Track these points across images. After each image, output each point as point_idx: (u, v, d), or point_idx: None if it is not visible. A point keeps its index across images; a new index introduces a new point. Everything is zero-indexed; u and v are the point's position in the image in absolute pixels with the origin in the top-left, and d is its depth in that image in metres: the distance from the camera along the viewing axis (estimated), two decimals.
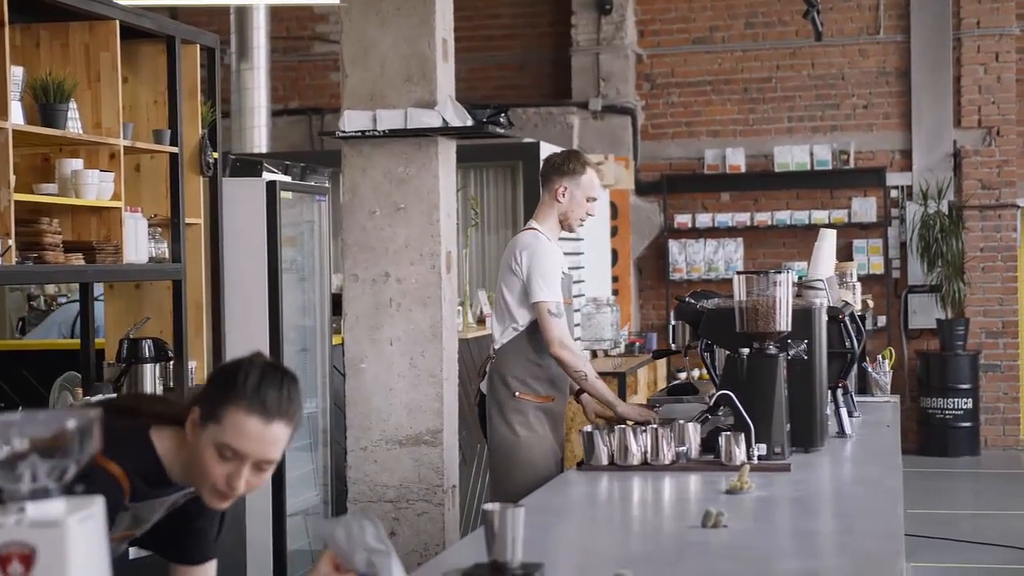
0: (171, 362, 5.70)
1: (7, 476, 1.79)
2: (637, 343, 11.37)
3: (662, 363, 11.66)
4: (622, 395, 8.20)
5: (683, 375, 12.40)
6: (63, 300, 9.18)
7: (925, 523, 9.14)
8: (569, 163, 5.36)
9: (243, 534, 5.88)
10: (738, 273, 4.47)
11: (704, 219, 12.97)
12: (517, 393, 5.23)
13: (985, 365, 12.59)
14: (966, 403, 12.30)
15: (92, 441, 1.84)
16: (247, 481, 2.57)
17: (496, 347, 5.34)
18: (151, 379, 5.56)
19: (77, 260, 5.04)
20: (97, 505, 1.83)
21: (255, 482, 2.59)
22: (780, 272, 4.44)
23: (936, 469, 11.80)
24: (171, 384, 5.73)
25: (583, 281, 10.62)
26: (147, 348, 5.55)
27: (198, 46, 6.00)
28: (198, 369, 5.95)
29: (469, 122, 5.91)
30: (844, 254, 12.43)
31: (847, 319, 5.08)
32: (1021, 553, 8.41)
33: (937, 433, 12.34)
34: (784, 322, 4.41)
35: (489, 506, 2.74)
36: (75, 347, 6.08)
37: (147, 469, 2.63)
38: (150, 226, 5.58)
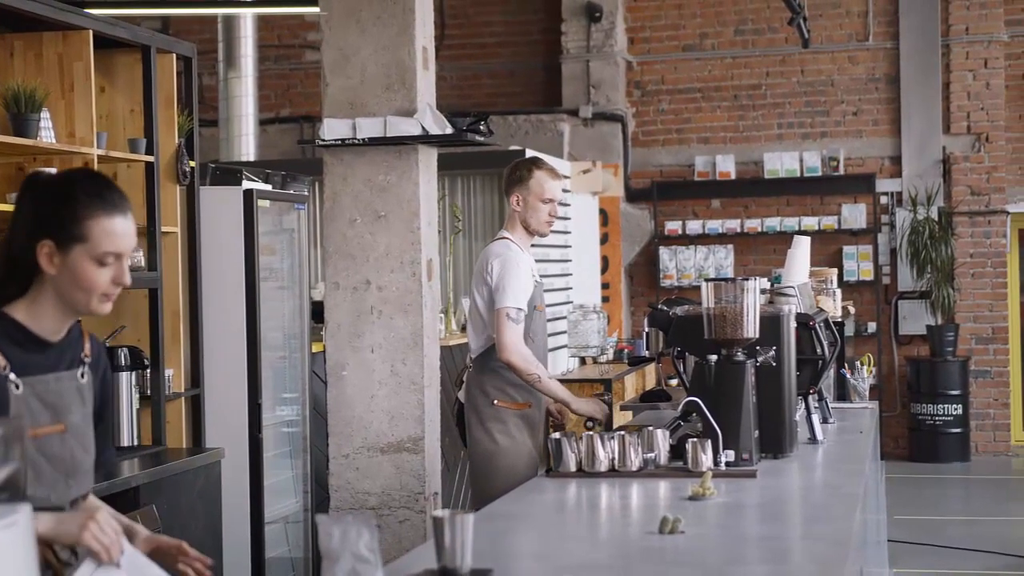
0: (147, 370, 5.71)
1: None
2: (626, 350, 11.38)
3: (651, 370, 11.67)
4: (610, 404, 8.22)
5: (674, 382, 12.42)
6: None
7: (913, 529, 9.15)
8: (516, 171, 5.49)
9: (220, 541, 5.88)
10: (706, 280, 4.49)
11: (694, 226, 12.99)
12: (496, 401, 5.30)
13: (975, 371, 12.60)
14: (956, 409, 12.31)
15: (15, 449, 1.86)
16: (125, 274, 2.74)
17: (473, 356, 5.40)
18: (127, 387, 5.56)
19: None
20: (23, 513, 1.85)
21: (128, 275, 2.76)
22: (748, 279, 4.45)
23: (926, 475, 11.81)
24: (148, 392, 5.74)
25: (571, 288, 10.64)
26: (123, 356, 5.56)
27: (174, 55, 6.01)
28: (175, 377, 5.96)
29: (448, 130, 5.92)
30: (834, 260, 12.45)
31: (819, 325, 5.08)
32: (1010, 559, 8.42)
33: (927, 439, 12.35)
34: (752, 329, 4.42)
35: (438, 513, 2.77)
36: None
37: (13, 333, 2.70)
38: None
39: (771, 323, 4.56)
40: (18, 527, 1.82)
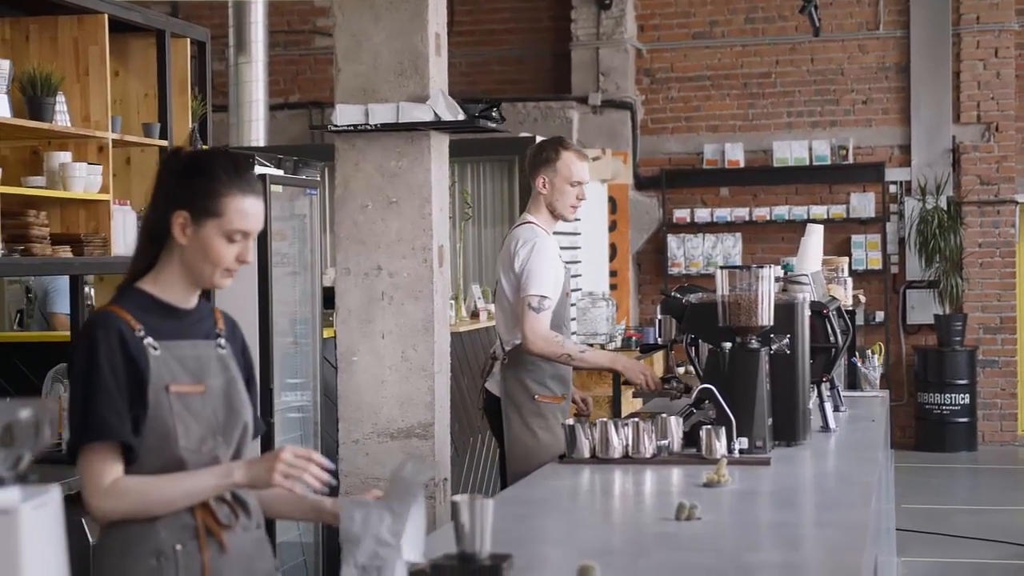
0: None
1: None
2: (635, 337, 11.38)
3: (659, 357, 11.68)
4: (617, 389, 8.17)
5: (681, 370, 12.42)
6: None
7: (920, 518, 9.16)
8: (543, 152, 5.32)
9: None
10: (721, 267, 4.49)
11: (703, 214, 12.98)
12: (537, 396, 5.17)
13: (983, 361, 12.60)
14: (963, 398, 12.31)
15: (45, 431, 1.87)
16: (249, 252, 2.87)
17: (507, 348, 5.24)
18: None
19: (65, 253, 5.06)
20: (53, 493, 1.86)
21: (251, 255, 2.88)
22: (763, 267, 4.45)
23: (933, 464, 11.81)
24: None
25: (580, 275, 10.64)
26: None
27: (188, 40, 6.02)
28: None
29: (461, 116, 5.91)
30: (842, 249, 12.44)
31: (832, 314, 5.08)
32: (1016, 548, 8.43)
33: (934, 428, 12.35)
34: (766, 316, 4.42)
35: (457, 498, 2.76)
36: (68, 339, 6.10)
37: (144, 302, 2.84)
38: (139, 219, 5.61)
39: (785, 311, 4.56)
40: (49, 507, 1.83)
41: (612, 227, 12.50)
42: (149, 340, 2.81)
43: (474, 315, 8.16)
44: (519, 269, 5.16)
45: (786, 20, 12.96)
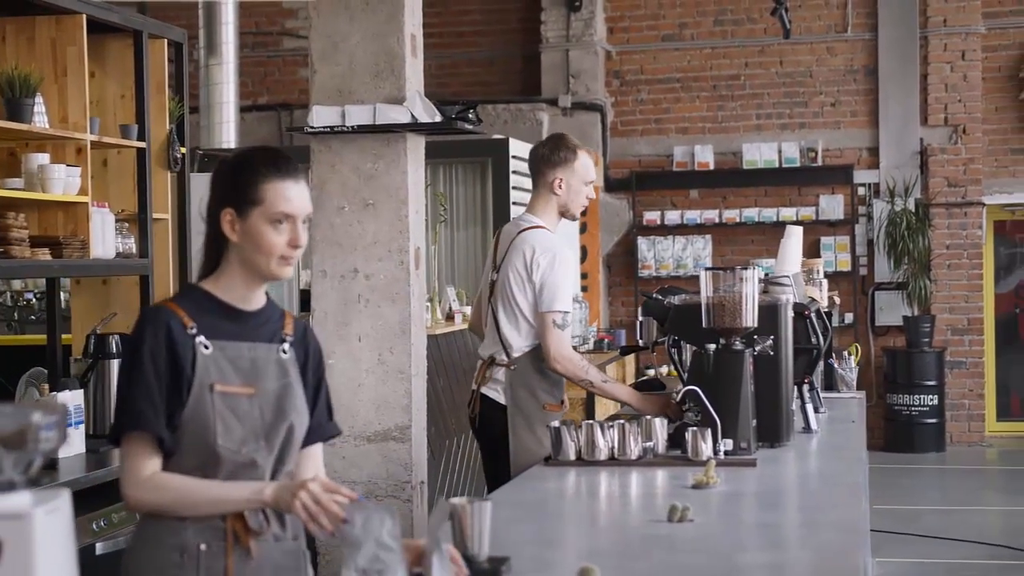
0: None
1: None
2: (606, 339, 11.41)
3: (631, 359, 11.71)
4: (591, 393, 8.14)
5: (651, 371, 12.46)
6: (29, 296, 9.13)
7: (890, 518, 9.20)
8: (560, 151, 5.10)
9: None
10: (705, 269, 4.49)
11: (673, 216, 13.01)
12: (546, 406, 5.03)
13: (951, 362, 12.68)
14: (932, 399, 12.39)
15: (59, 433, 1.84)
16: (301, 237, 2.88)
17: (515, 354, 5.05)
18: (118, 375, 5.52)
19: (44, 255, 5.02)
20: (63, 499, 1.83)
21: (305, 238, 2.90)
22: (747, 268, 4.46)
23: (902, 465, 11.88)
24: None
25: None
26: (114, 343, 5.52)
27: (166, 41, 5.98)
28: None
29: (438, 118, 5.90)
30: (812, 251, 12.49)
31: (813, 315, 5.10)
32: (985, 548, 8.49)
33: (903, 429, 12.43)
34: (750, 318, 4.43)
35: (456, 500, 2.76)
36: (42, 343, 6.05)
37: (204, 302, 2.90)
38: (117, 221, 5.56)
39: (769, 312, 4.57)
40: (60, 512, 1.81)
41: (582, 229, 12.51)
42: (201, 338, 2.86)
43: (449, 317, 8.14)
44: (540, 281, 4.96)
45: (755, 23, 13.01)
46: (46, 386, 5.50)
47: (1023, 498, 10.39)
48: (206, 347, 2.85)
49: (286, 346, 2.98)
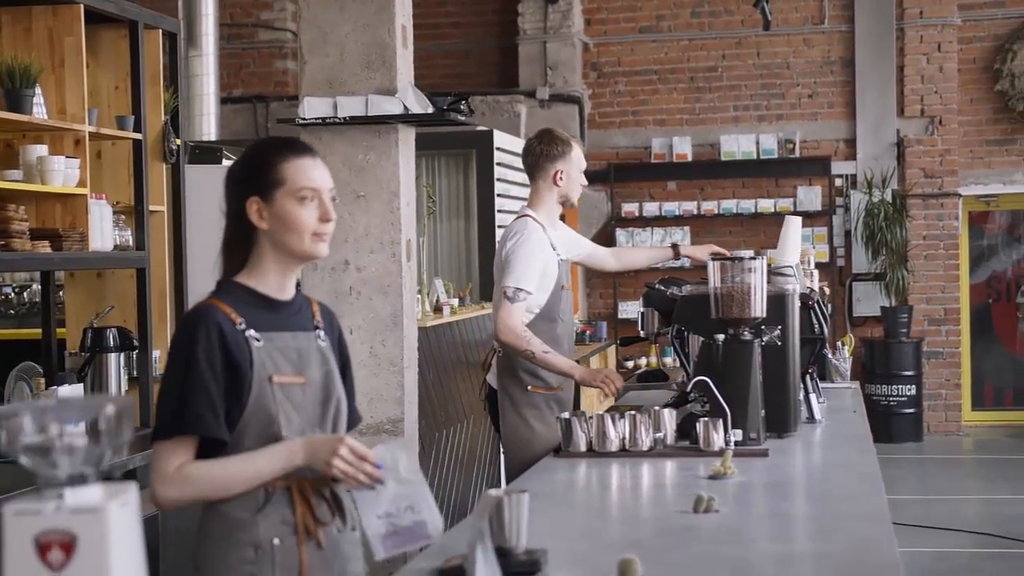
0: (135, 351, 5.63)
1: (43, 462, 1.77)
2: (588, 332, 11.41)
3: (611, 351, 11.71)
4: (576, 387, 8.14)
5: (643, 361, 12.47)
6: (7, 290, 9.02)
7: None
8: (556, 145, 5.31)
9: None
10: (713, 259, 4.48)
11: (651, 208, 13.02)
12: (529, 387, 5.16)
13: (928, 352, 12.74)
14: (910, 390, 12.45)
15: (129, 426, 1.82)
16: (330, 210, 2.87)
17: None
18: (115, 368, 5.48)
19: (43, 248, 4.96)
20: (132, 492, 1.81)
21: (332, 212, 2.89)
22: (755, 258, 4.45)
23: (881, 455, 11.79)
24: (135, 374, 5.66)
25: None
26: (111, 337, 5.48)
27: (160, 31, 5.92)
28: (163, 358, 5.88)
29: (430, 109, 5.88)
30: None
31: (815, 305, 5.12)
32: (968, 536, 8.54)
33: (881, 419, 12.45)
34: (759, 308, 4.42)
35: (494, 492, 2.74)
36: (24, 337, 6.00)
37: (243, 296, 2.88)
38: (114, 213, 5.51)
39: (776, 302, 4.57)
40: (131, 504, 1.79)
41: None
42: (251, 332, 2.84)
43: (437, 310, 8.12)
44: (505, 258, 5.14)
45: (732, 14, 13.03)
46: (41, 380, 5.46)
47: (1002, 486, 10.45)
48: (257, 340, 2.84)
49: (321, 333, 2.97)
